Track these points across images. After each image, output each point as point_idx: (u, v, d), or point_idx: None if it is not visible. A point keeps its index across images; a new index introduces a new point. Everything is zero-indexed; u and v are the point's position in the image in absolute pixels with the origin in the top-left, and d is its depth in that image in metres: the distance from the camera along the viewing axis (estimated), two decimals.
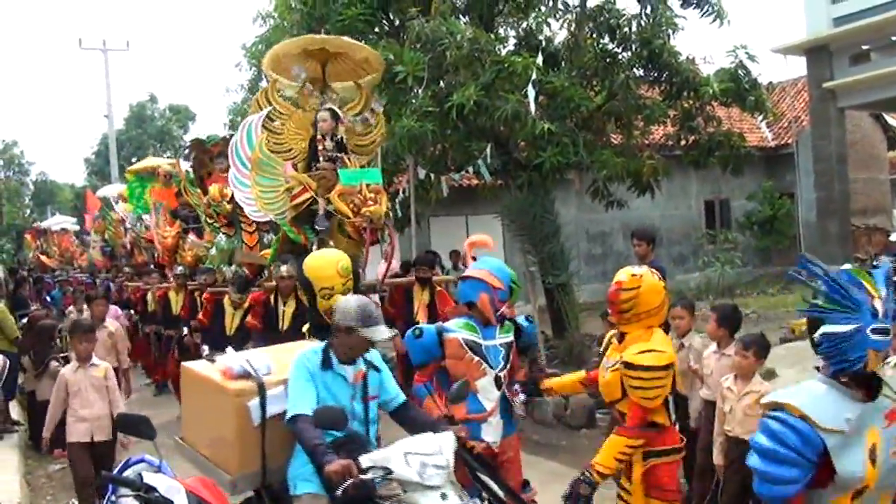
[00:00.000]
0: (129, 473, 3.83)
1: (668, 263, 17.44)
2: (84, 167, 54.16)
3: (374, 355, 4.28)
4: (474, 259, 6.90)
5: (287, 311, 7.87)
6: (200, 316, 9.61)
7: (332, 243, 7.68)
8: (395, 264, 11.24)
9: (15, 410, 10.29)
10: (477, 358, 4.80)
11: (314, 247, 7.71)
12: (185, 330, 10.42)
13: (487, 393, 4.81)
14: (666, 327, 6.62)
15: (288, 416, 3.89)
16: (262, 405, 4.05)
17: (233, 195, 9.30)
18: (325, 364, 4.05)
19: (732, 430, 5.21)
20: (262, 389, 4.07)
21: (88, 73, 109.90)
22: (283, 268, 7.83)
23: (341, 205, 7.50)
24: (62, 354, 9.72)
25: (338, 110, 8.25)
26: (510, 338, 4.99)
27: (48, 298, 22.87)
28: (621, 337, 4.47)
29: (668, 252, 20.71)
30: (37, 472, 8.62)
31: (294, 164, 8.15)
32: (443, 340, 4.84)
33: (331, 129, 8.09)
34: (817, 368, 2.89)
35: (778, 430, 2.74)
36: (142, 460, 4.02)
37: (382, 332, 4.08)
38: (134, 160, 39.85)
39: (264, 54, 19.14)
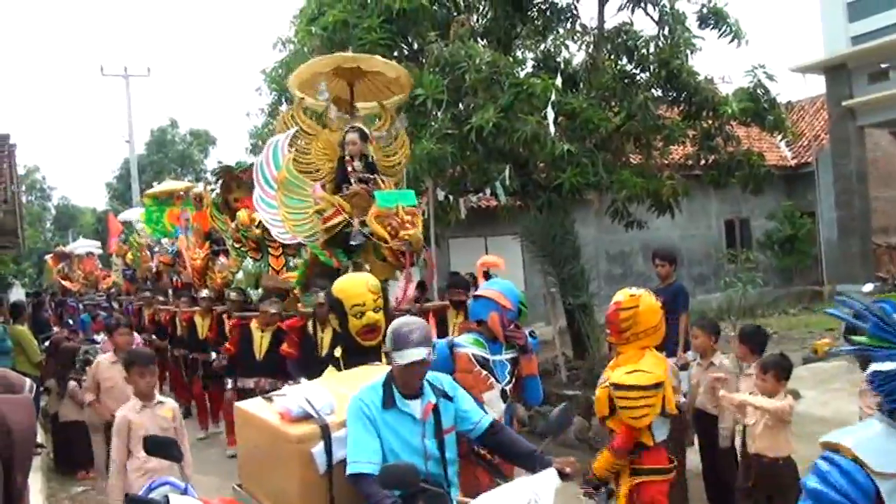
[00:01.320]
0: (154, 495, 3.85)
1: (689, 284, 17.36)
2: (105, 191, 54.66)
3: (443, 381, 3.86)
4: (486, 277, 6.92)
5: (325, 337, 7.81)
6: (227, 344, 9.43)
7: (367, 266, 7.62)
8: (411, 288, 11.20)
9: (38, 433, 10.34)
10: (485, 372, 5.01)
11: (349, 269, 7.64)
12: (214, 355, 10.42)
13: (494, 405, 4.96)
14: (686, 346, 6.67)
15: (348, 471, 3.49)
16: (328, 450, 3.60)
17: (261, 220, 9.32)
18: (387, 403, 3.61)
19: (753, 445, 5.27)
20: (325, 433, 3.63)
21: (110, 98, 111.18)
22: (321, 295, 7.69)
23: (378, 228, 7.26)
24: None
25: (366, 129, 8.20)
26: (515, 354, 5.17)
27: (70, 322, 23.03)
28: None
29: (688, 272, 20.63)
30: (59, 495, 8.65)
31: (322, 184, 8.07)
32: (454, 355, 5.03)
33: (360, 150, 8.01)
34: (879, 408, 2.59)
35: (826, 472, 2.53)
36: (167, 482, 4.04)
37: (411, 355, 3.56)
38: (155, 184, 40.15)
39: (284, 79, 19.33)
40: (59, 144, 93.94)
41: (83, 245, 28.57)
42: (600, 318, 12.49)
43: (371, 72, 8.51)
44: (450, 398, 3.77)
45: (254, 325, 8.87)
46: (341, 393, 3.86)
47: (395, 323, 3.70)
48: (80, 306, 23.46)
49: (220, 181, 11.33)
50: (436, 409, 3.68)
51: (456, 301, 8.52)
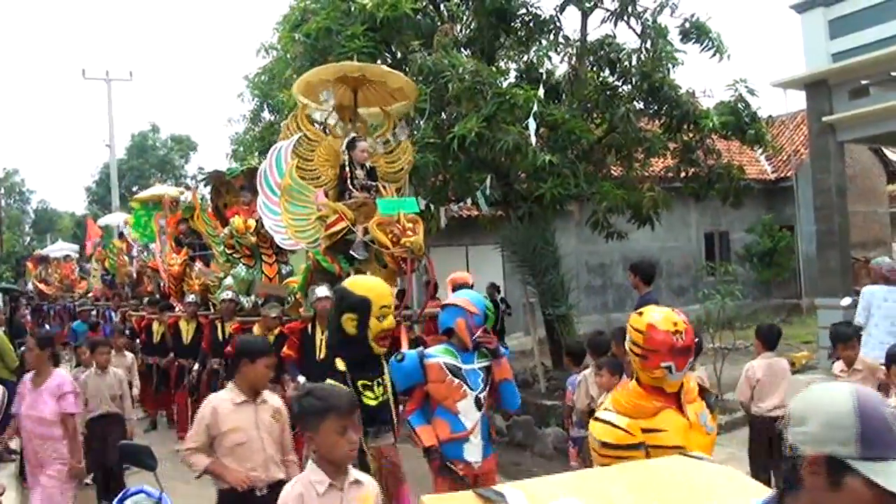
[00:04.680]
0: None
1: (668, 295, 17.42)
2: (85, 196, 54.45)
3: None
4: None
5: (324, 339, 7.71)
6: (228, 348, 9.10)
7: (368, 273, 7.62)
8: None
9: (14, 440, 10.22)
10: (458, 380, 4.97)
11: (351, 276, 7.64)
12: (207, 364, 10.23)
13: (468, 413, 4.99)
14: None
15: None
16: None
17: (257, 227, 9.24)
18: None
19: None
20: None
21: (91, 102, 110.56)
22: (320, 289, 7.60)
23: (380, 235, 7.30)
24: None
25: (366, 140, 8.24)
26: (488, 362, 5.15)
27: (47, 327, 22.82)
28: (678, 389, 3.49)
29: (667, 284, 20.71)
30: None
31: (325, 191, 8.04)
32: (425, 366, 4.97)
33: (366, 158, 8.08)
34: None
35: None
36: (142, 491, 4.01)
37: None
38: (135, 189, 40.05)
39: (267, 85, 19.32)
40: (39, 147, 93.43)
41: (60, 248, 28.33)
42: (579, 329, 12.58)
43: (375, 80, 8.54)
44: None
45: (256, 330, 8.70)
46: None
47: (853, 396, 1.62)
48: (52, 311, 23.26)
49: (211, 186, 11.24)
50: None
51: None
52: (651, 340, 3.32)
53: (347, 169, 7.96)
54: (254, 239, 9.63)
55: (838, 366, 6.46)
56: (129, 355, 10.26)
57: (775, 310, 21.87)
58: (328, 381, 4.68)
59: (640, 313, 3.46)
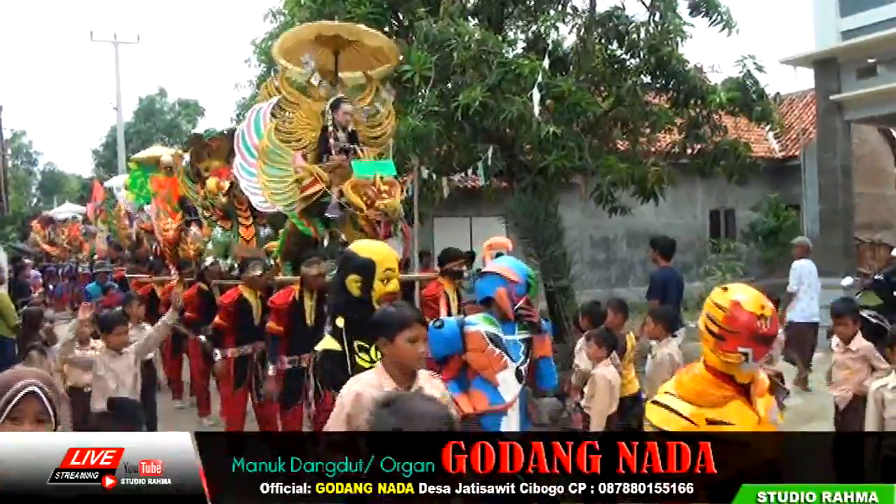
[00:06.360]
0: None
1: None
2: (92, 158, 54.41)
3: None
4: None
5: (312, 305, 7.61)
6: (218, 320, 8.35)
7: (343, 236, 7.59)
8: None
9: None
10: (499, 350, 4.81)
11: (325, 240, 7.64)
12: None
13: (508, 385, 4.83)
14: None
15: None
16: None
17: (229, 188, 9.18)
18: None
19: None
20: None
21: (99, 65, 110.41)
22: (323, 265, 7.47)
23: (354, 197, 7.23)
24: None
25: (350, 103, 8.20)
26: (528, 334, 4.96)
27: (51, 287, 22.93)
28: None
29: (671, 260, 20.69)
30: None
31: (304, 154, 8.01)
32: (464, 334, 4.81)
33: (349, 121, 8.04)
34: None
35: None
36: None
37: None
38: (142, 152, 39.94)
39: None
40: (47, 109, 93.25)
41: (69, 210, 28.36)
42: (580, 301, 12.58)
43: (355, 41, 8.48)
44: None
45: (247, 293, 8.49)
46: None
47: None
48: (60, 272, 23.36)
49: (191, 149, 11.15)
50: None
51: (453, 271, 8.32)
52: (733, 320, 3.00)
53: (330, 129, 7.91)
54: (224, 199, 9.52)
55: (834, 340, 6.47)
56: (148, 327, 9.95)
57: (779, 288, 21.84)
58: (324, 341, 4.65)
59: (725, 289, 3.11)
